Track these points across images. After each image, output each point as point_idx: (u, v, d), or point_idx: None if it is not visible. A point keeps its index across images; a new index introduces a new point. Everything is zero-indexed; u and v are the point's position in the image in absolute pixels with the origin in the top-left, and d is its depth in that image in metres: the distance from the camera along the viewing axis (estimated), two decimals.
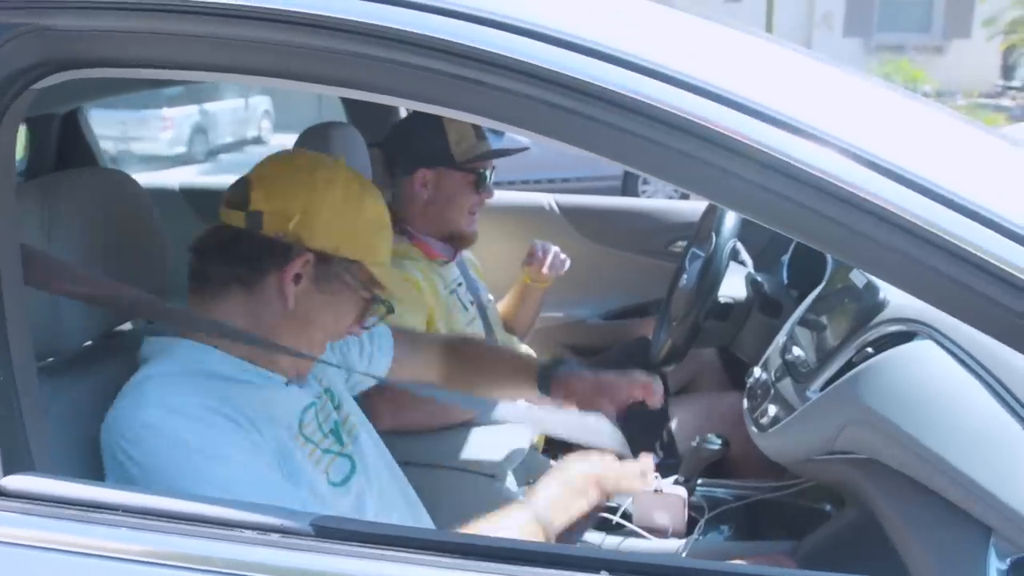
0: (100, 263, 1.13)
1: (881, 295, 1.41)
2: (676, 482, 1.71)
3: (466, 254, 2.10)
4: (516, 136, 0.96)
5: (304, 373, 1.17)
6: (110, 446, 0.98)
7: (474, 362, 1.59)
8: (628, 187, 9.49)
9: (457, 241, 1.95)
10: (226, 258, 1.09)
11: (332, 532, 0.73)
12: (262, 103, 14.09)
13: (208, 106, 12.77)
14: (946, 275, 0.73)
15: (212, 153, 12.90)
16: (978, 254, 0.72)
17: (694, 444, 1.71)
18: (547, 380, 1.49)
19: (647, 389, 1.46)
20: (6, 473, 0.79)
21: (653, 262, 2.56)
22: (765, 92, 0.76)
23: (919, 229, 0.72)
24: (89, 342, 1.16)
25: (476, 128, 1.91)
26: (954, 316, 0.77)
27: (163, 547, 0.76)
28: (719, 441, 1.69)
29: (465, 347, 1.62)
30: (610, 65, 0.75)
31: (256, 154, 13.45)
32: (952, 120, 0.88)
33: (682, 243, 2.52)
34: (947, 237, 0.72)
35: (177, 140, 12.15)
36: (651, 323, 2.37)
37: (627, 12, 0.83)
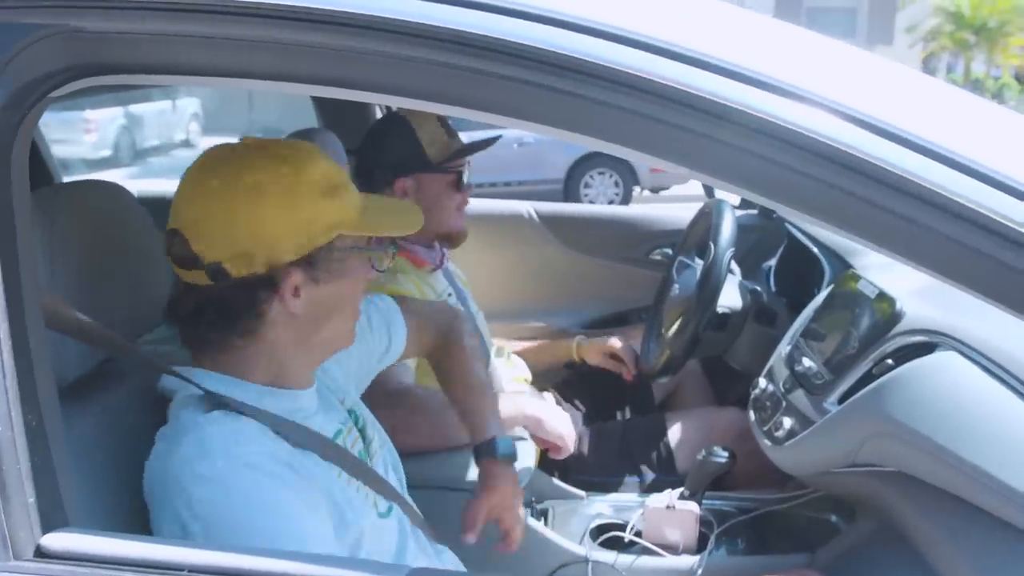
0: (103, 276, 1.06)
1: (897, 306, 1.40)
2: (682, 496, 1.68)
3: (451, 266, 2.03)
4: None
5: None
6: (167, 497, 0.89)
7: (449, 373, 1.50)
8: (570, 191, 9.49)
9: (448, 240, 1.90)
10: (222, 321, 0.98)
11: None
12: (190, 105, 13.63)
13: (134, 108, 12.27)
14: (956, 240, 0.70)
15: (139, 156, 12.43)
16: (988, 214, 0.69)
17: (699, 458, 1.68)
18: (481, 454, 1.38)
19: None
20: (45, 531, 0.69)
21: (633, 270, 2.53)
22: (751, 56, 0.73)
23: (927, 192, 0.69)
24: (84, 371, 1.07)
25: (445, 126, 1.86)
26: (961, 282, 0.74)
27: None
28: (725, 454, 1.66)
29: (449, 356, 1.52)
30: (587, 36, 0.71)
31: (185, 158, 13.07)
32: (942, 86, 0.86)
33: (664, 251, 2.50)
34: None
35: (102, 143, 11.66)
36: (633, 332, 2.33)
37: None
